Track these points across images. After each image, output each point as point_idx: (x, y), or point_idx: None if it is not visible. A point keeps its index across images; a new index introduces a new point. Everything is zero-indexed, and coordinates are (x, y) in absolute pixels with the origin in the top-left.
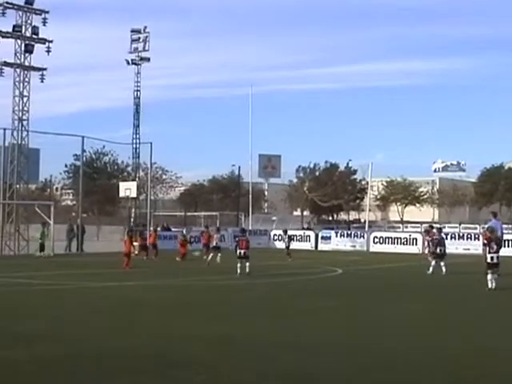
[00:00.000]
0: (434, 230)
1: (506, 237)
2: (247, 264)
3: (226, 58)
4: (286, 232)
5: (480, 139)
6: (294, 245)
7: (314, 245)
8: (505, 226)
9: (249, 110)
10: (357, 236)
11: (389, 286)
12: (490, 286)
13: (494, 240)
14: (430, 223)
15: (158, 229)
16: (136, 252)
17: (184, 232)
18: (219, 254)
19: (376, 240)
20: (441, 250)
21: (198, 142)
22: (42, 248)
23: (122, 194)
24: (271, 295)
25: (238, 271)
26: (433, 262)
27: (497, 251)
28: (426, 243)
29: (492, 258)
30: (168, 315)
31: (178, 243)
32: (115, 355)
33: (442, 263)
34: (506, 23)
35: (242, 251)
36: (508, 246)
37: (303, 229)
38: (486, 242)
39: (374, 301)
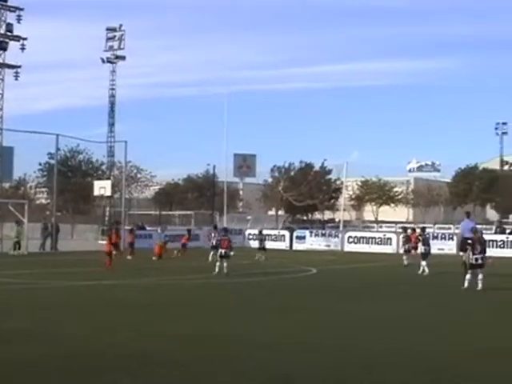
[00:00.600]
0: (418, 230)
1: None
2: (225, 264)
3: (203, 57)
4: (261, 232)
5: (455, 140)
6: (269, 244)
7: (288, 244)
8: (478, 226)
9: (224, 110)
10: (331, 236)
11: (363, 285)
12: (465, 285)
13: (477, 241)
14: (405, 223)
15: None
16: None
17: (160, 232)
18: (211, 253)
19: (350, 240)
20: (426, 250)
21: (174, 141)
22: (16, 246)
23: (96, 192)
24: (246, 294)
25: (216, 270)
26: (423, 262)
27: (481, 252)
28: (406, 244)
29: (476, 259)
30: (143, 314)
31: (156, 244)
32: (90, 354)
33: (424, 263)
34: (486, 23)
35: (223, 250)
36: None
37: (285, 228)
38: (470, 242)
39: (348, 300)
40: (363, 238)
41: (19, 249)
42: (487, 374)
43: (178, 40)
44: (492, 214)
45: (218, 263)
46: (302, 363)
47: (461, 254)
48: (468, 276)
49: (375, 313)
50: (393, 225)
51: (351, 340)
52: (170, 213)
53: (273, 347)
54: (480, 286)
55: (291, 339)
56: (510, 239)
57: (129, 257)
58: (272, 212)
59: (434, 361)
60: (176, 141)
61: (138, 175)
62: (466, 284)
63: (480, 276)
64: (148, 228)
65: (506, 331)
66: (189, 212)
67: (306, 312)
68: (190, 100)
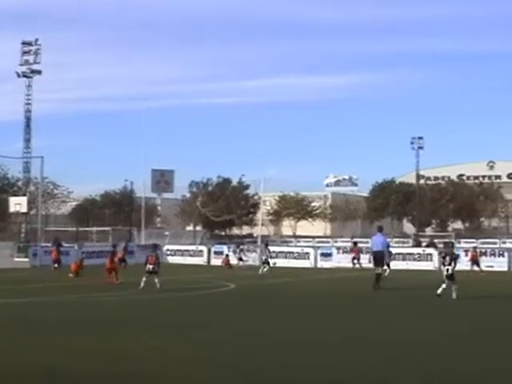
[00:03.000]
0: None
1: (395, 250)
2: (156, 280)
3: (122, 72)
4: (266, 245)
5: (372, 154)
6: (187, 260)
7: (206, 260)
8: (396, 239)
9: (141, 125)
10: (249, 251)
11: (281, 300)
12: (439, 291)
13: (448, 254)
14: (322, 238)
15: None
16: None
17: (77, 248)
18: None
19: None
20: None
21: (91, 157)
22: None
23: (12, 209)
24: (163, 310)
25: (142, 285)
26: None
27: (450, 264)
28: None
29: (447, 270)
30: (59, 332)
31: (74, 262)
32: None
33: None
34: (403, 39)
35: (151, 266)
36: (399, 259)
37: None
38: (443, 255)
39: (265, 315)
40: (281, 252)
41: None
42: None
43: (98, 54)
44: (409, 227)
45: (144, 278)
46: (219, 377)
47: (378, 268)
48: (444, 285)
49: (292, 327)
50: (310, 239)
51: (269, 355)
52: (88, 229)
53: (190, 361)
54: (454, 295)
55: (208, 354)
56: (426, 252)
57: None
58: (190, 227)
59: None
60: (94, 156)
61: (55, 191)
62: (439, 291)
63: (454, 286)
64: (65, 245)
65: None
66: (106, 228)
67: (222, 327)
68: (108, 115)
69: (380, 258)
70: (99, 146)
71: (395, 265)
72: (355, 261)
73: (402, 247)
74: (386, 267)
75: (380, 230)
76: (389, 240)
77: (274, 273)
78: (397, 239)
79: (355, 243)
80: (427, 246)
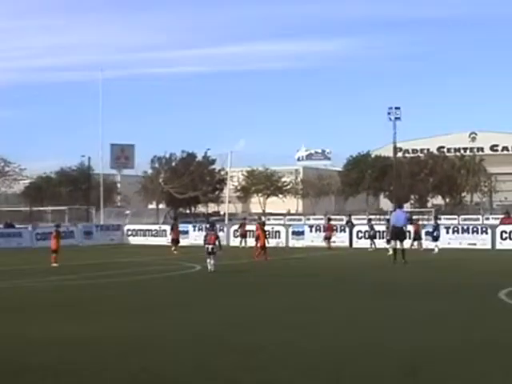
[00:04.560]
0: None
1: (377, 228)
2: (212, 261)
3: (76, 39)
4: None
5: (346, 126)
6: (150, 240)
7: (170, 240)
8: (372, 216)
9: (99, 96)
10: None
11: (245, 282)
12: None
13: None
14: (294, 215)
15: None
16: None
17: (31, 230)
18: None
19: (237, 233)
20: None
21: (45, 131)
22: None
23: None
24: (127, 293)
25: (209, 267)
26: None
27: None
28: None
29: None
30: (12, 319)
31: None
32: None
33: None
34: (377, 3)
35: (210, 246)
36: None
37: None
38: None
39: (231, 296)
40: (250, 231)
41: None
42: None
43: (49, 20)
44: (386, 203)
45: (208, 260)
46: (176, 363)
47: (391, 244)
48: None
49: (260, 307)
50: (281, 217)
51: (235, 336)
52: (42, 209)
53: (151, 346)
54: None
55: (173, 337)
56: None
57: None
58: (152, 206)
59: (307, 357)
60: (47, 131)
61: (6, 168)
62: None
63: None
64: (17, 226)
65: None
66: (62, 207)
67: (184, 309)
68: (63, 86)
69: (401, 233)
70: (53, 120)
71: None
72: (326, 240)
73: (379, 224)
74: (437, 243)
75: (400, 206)
76: (409, 215)
77: (243, 252)
78: (373, 216)
79: (329, 219)
80: (412, 223)
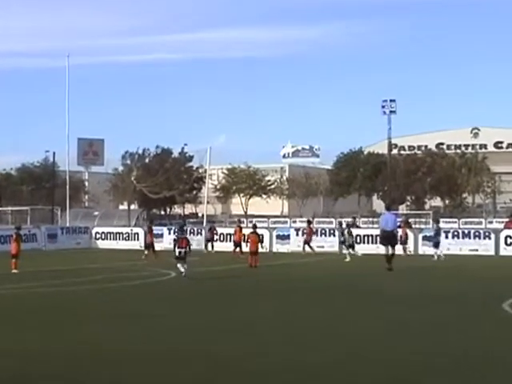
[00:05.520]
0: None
1: (366, 232)
2: (183, 266)
3: (39, 23)
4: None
5: (336, 121)
6: (121, 244)
7: (143, 244)
8: (364, 219)
9: (66, 85)
10: (193, 233)
11: (224, 289)
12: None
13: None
14: (279, 217)
15: None
16: None
17: None
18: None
19: (216, 237)
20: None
21: (5, 124)
22: None
23: None
24: (94, 302)
25: (182, 270)
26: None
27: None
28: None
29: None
30: None
31: None
32: None
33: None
34: None
35: (182, 250)
36: (367, 242)
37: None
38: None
39: (207, 305)
40: (230, 235)
41: None
42: None
43: (10, 2)
44: (379, 204)
45: (178, 265)
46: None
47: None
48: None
49: (234, 317)
50: (265, 219)
51: (206, 345)
52: (1, 209)
53: (125, 357)
54: None
55: (147, 347)
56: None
57: None
58: (124, 206)
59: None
60: (8, 123)
61: None
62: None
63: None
64: None
65: None
66: (24, 208)
67: (161, 319)
68: (25, 73)
69: (391, 238)
70: (13, 111)
71: (361, 248)
72: (306, 245)
73: (372, 228)
74: (437, 250)
75: (388, 208)
76: (399, 219)
77: (222, 258)
78: (365, 219)
79: (309, 221)
80: (399, 227)
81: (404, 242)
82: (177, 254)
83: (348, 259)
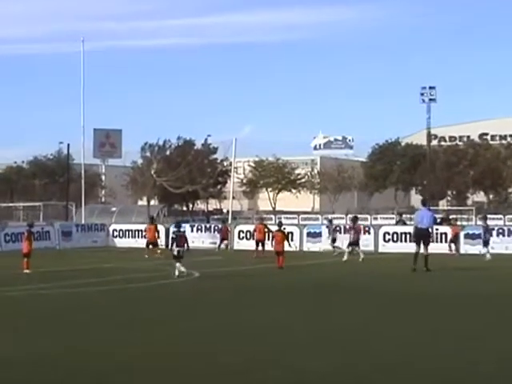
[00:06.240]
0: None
1: (402, 229)
2: (178, 265)
3: (50, 6)
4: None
5: (371, 110)
6: (139, 242)
7: (164, 242)
8: (403, 215)
9: (80, 72)
10: (218, 230)
11: (245, 290)
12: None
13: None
14: (310, 214)
15: None
16: None
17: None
18: None
19: (242, 235)
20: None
21: (17, 114)
22: None
23: None
24: (109, 305)
25: (182, 270)
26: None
27: None
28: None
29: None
30: None
31: None
32: None
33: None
34: None
35: (181, 249)
36: (404, 240)
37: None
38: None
39: (230, 308)
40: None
41: None
42: None
43: None
44: (417, 200)
45: (177, 264)
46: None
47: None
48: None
49: (255, 321)
50: (295, 216)
51: (210, 350)
52: (12, 205)
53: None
54: None
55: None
56: (439, 231)
57: None
58: (143, 202)
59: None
60: (20, 113)
61: None
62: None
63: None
64: None
65: None
66: (36, 203)
67: (180, 322)
68: (37, 60)
69: (425, 236)
70: (26, 100)
71: (399, 246)
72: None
73: (410, 225)
74: (485, 249)
75: (424, 203)
76: (438, 216)
77: (244, 257)
78: (404, 215)
79: (356, 218)
80: (440, 224)
81: (453, 241)
82: (175, 253)
83: (345, 258)
